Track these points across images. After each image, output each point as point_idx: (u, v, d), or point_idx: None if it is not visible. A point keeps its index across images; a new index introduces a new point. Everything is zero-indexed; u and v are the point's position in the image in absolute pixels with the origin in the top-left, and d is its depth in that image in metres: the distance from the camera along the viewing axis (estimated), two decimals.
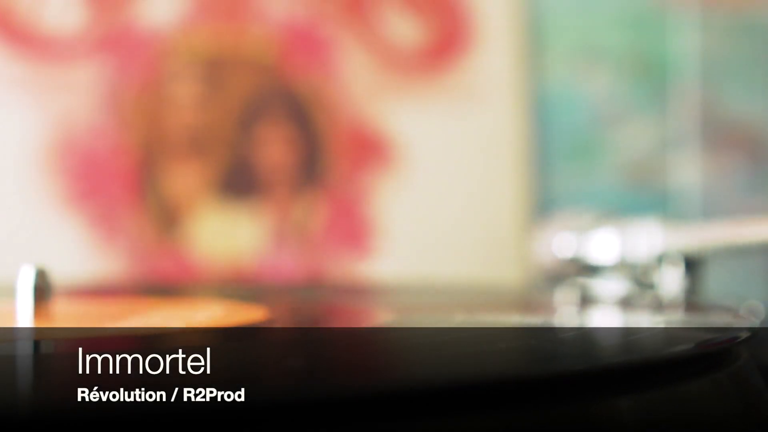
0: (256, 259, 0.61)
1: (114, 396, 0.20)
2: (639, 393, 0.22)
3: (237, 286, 0.55)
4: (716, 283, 0.45)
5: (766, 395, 0.26)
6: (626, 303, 0.39)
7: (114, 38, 0.60)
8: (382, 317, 0.35)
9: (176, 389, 0.20)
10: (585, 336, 0.29)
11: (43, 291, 0.33)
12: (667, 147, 0.66)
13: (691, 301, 0.41)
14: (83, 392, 0.20)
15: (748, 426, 0.24)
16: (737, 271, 0.64)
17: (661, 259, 0.41)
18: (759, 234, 0.36)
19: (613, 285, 0.43)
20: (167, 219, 0.60)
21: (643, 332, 0.30)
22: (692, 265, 0.42)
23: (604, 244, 0.45)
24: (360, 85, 0.62)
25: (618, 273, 0.43)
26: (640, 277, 0.42)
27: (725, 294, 0.46)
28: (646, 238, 0.42)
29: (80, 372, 0.23)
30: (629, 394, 0.22)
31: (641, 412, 0.22)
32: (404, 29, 0.63)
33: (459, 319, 0.34)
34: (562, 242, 0.47)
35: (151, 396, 0.19)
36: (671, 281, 0.41)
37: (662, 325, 0.32)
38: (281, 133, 0.61)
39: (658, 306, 0.38)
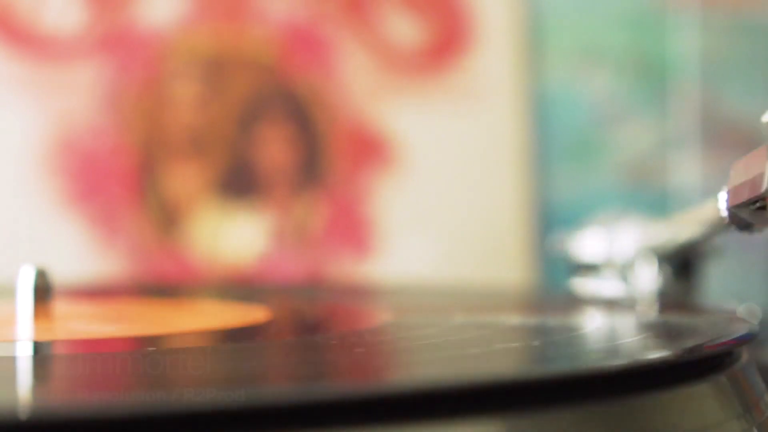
0: (256, 259, 0.61)
1: (114, 396, 0.20)
2: (639, 394, 0.22)
3: (237, 286, 0.55)
4: (716, 283, 0.45)
5: (766, 396, 0.26)
6: (626, 303, 0.39)
7: (114, 38, 0.60)
8: (382, 317, 0.35)
9: (176, 389, 0.20)
10: (583, 337, 0.29)
11: (43, 291, 0.33)
12: (667, 147, 0.66)
13: (691, 302, 0.41)
14: (83, 392, 0.20)
15: (748, 426, 0.24)
16: (737, 270, 0.64)
17: (636, 258, 0.42)
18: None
19: (613, 285, 0.43)
20: (167, 219, 0.60)
21: (643, 333, 0.30)
22: (692, 264, 0.42)
23: (594, 244, 0.45)
24: (360, 85, 0.62)
25: (612, 272, 0.44)
26: (628, 277, 0.42)
27: (725, 294, 0.46)
28: (627, 237, 0.42)
29: (80, 372, 0.23)
30: (630, 395, 0.22)
31: (642, 413, 0.22)
32: (404, 29, 0.63)
33: (458, 319, 0.34)
34: (582, 242, 0.47)
35: (151, 396, 0.19)
36: (646, 279, 0.41)
37: (662, 326, 0.32)
38: (281, 133, 0.61)
39: (657, 306, 0.38)
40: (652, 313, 0.36)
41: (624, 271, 0.42)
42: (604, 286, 0.44)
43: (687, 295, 0.42)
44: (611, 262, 0.43)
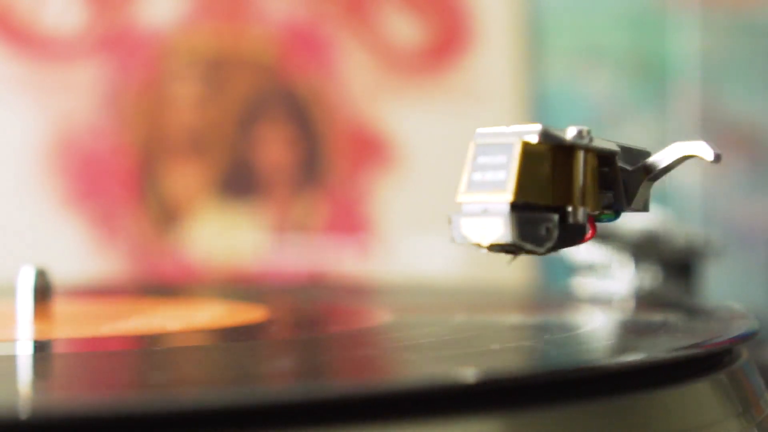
0: (256, 259, 0.61)
1: (114, 396, 0.20)
2: (639, 392, 0.22)
3: (237, 286, 0.55)
4: (716, 283, 0.45)
5: (765, 394, 0.26)
6: (624, 302, 0.39)
7: (114, 38, 0.60)
8: (382, 316, 0.35)
9: (178, 389, 0.20)
10: (582, 336, 0.29)
11: (43, 291, 0.33)
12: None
13: (691, 301, 0.41)
14: (83, 392, 0.20)
15: (748, 425, 0.24)
16: (737, 270, 0.64)
17: (614, 255, 0.42)
18: None
19: (611, 284, 0.43)
20: (167, 219, 0.60)
21: (642, 332, 0.30)
22: (691, 264, 0.42)
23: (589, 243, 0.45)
24: (360, 85, 0.62)
25: (606, 272, 0.44)
26: (616, 275, 0.42)
27: (725, 294, 0.46)
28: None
29: (80, 372, 0.23)
30: (630, 393, 0.22)
31: (642, 411, 0.22)
32: (404, 29, 0.63)
33: (458, 319, 0.34)
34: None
35: (150, 395, 0.19)
36: (625, 276, 0.41)
37: (662, 325, 0.32)
38: (281, 133, 0.61)
39: (657, 304, 0.38)
40: (645, 312, 0.36)
41: (611, 270, 0.43)
42: (603, 285, 0.44)
43: (687, 294, 0.41)
44: (603, 261, 0.43)
